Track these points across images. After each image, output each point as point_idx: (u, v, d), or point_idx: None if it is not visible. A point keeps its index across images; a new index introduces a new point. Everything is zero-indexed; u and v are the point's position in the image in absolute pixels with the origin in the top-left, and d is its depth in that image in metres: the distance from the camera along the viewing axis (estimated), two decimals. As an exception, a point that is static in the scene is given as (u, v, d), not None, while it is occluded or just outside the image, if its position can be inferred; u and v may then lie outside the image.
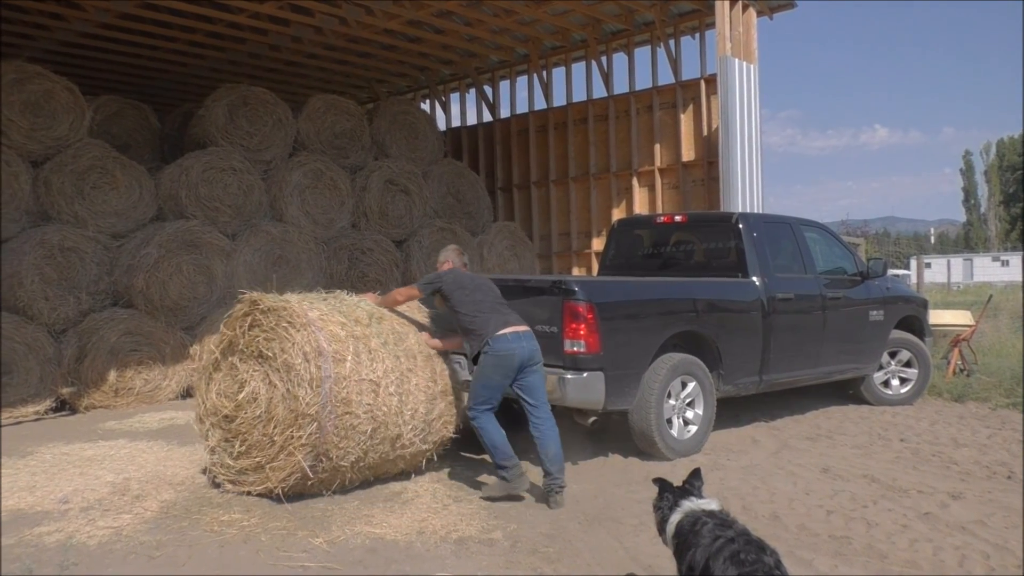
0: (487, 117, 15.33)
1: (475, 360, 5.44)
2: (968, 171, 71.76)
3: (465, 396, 5.96)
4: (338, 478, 5.22)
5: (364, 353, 5.27)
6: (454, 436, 5.82)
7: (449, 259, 5.79)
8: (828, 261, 8.24)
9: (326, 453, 5.01)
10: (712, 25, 11.21)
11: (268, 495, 5.08)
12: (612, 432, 6.81)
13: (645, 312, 6.37)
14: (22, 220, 8.96)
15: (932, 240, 73.73)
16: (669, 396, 6.33)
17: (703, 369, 6.59)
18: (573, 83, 13.87)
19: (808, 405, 8.36)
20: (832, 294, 7.83)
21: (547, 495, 5.17)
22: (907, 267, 42.46)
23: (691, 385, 6.50)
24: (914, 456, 6.46)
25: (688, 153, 12.26)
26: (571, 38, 13.33)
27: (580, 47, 13.52)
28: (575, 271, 13.53)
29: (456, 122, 16.00)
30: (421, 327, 5.87)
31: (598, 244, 12.97)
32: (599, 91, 13.46)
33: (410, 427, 5.42)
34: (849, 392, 8.62)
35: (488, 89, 15.26)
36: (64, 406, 8.66)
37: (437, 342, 5.79)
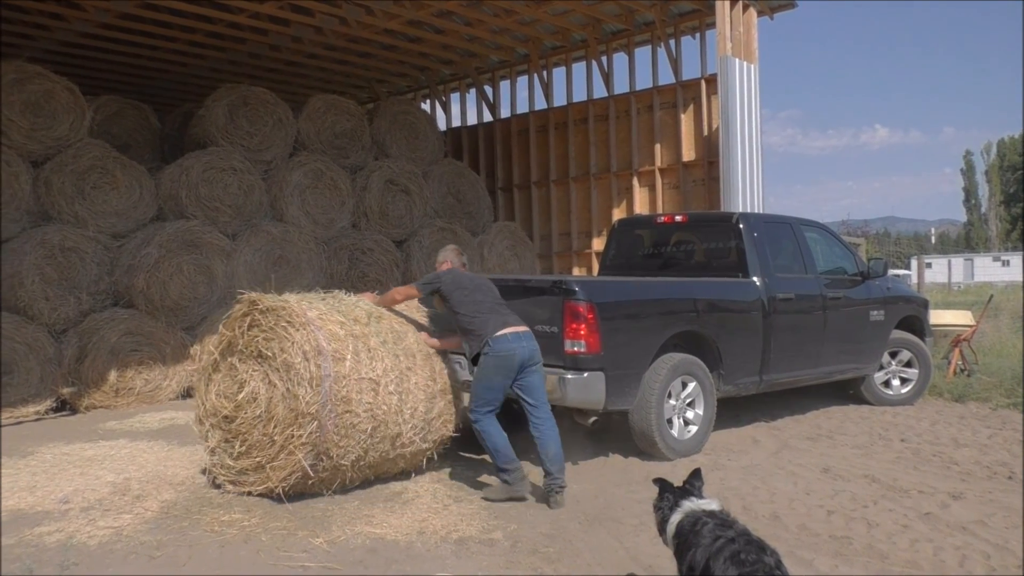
0: (487, 117, 15.34)
1: (474, 361, 5.44)
2: (969, 171, 71.78)
3: (464, 396, 5.96)
4: (338, 477, 5.22)
5: (363, 352, 5.27)
6: (454, 435, 5.82)
7: (448, 259, 5.78)
8: (828, 261, 8.24)
9: (326, 452, 5.01)
10: (712, 25, 11.21)
11: (268, 495, 5.08)
12: (612, 432, 6.81)
13: (645, 312, 6.37)
14: (23, 220, 8.96)
15: (933, 240, 73.73)
16: (669, 396, 6.32)
17: (703, 369, 6.59)
18: (573, 83, 13.87)
19: (809, 405, 8.35)
20: (833, 294, 7.82)
21: (547, 495, 5.17)
22: (908, 267, 42.46)
23: (691, 385, 6.50)
24: (915, 456, 6.46)
25: (688, 153, 12.26)
26: (571, 38, 13.33)
27: (580, 47, 13.52)
28: (575, 271, 13.53)
29: (456, 122, 16.01)
30: (420, 326, 5.88)
31: (598, 244, 12.97)
32: (599, 91, 13.48)
33: (410, 426, 5.42)
34: (850, 392, 8.62)
35: (488, 89, 15.26)
36: (64, 406, 8.66)
37: (435, 341, 5.79)
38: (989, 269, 50.34)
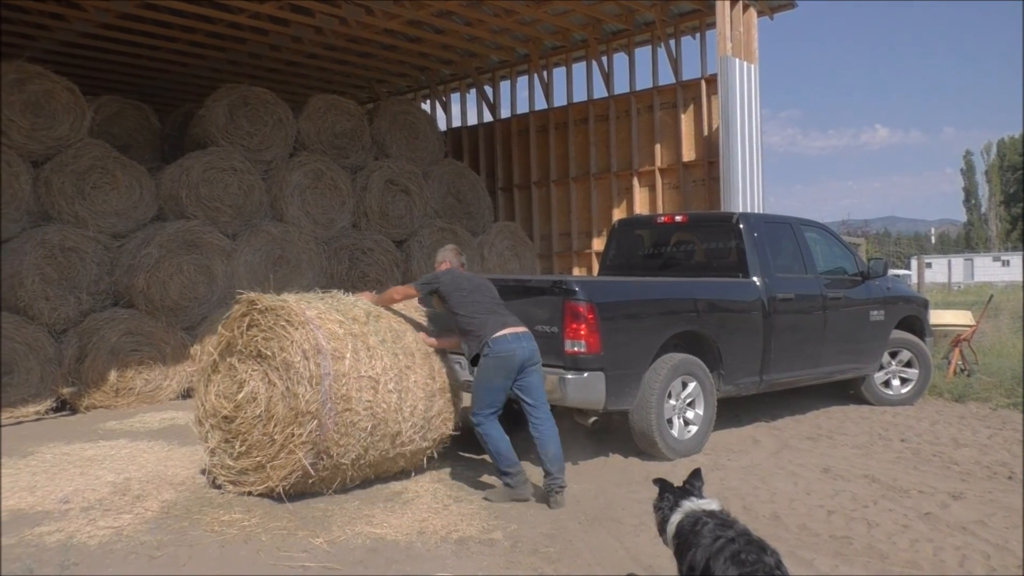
0: (487, 117, 15.34)
1: (473, 362, 5.44)
2: (969, 171, 71.80)
3: (464, 395, 5.97)
4: (339, 476, 5.22)
5: (363, 350, 5.27)
6: (454, 433, 5.82)
7: (447, 259, 5.78)
8: (829, 261, 8.24)
9: (327, 450, 5.01)
10: (713, 25, 11.21)
11: (269, 495, 5.08)
12: (613, 432, 6.81)
13: (646, 312, 6.37)
14: (23, 220, 8.96)
15: (933, 240, 73.78)
16: (670, 396, 6.32)
17: (704, 369, 6.59)
18: (574, 83, 13.87)
19: (809, 405, 8.35)
20: (833, 294, 7.82)
21: (547, 495, 5.17)
22: (908, 267, 42.48)
23: (692, 385, 6.50)
24: (915, 456, 6.46)
25: (689, 153, 12.26)
26: (571, 38, 13.33)
27: (580, 47, 13.52)
28: (576, 271, 13.53)
29: (456, 122, 16.01)
30: (418, 326, 5.88)
31: (599, 244, 12.97)
32: (600, 91, 13.48)
33: (410, 424, 5.42)
34: (850, 392, 8.62)
35: (488, 89, 15.26)
36: (65, 406, 8.66)
37: (434, 340, 5.80)
38: (989, 269, 50.36)
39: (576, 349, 5.84)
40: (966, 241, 72.56)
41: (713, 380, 6.67)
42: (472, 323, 5.33)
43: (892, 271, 11.73)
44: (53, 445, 6.86)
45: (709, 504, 3.28)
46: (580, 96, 13.76)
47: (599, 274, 8.84)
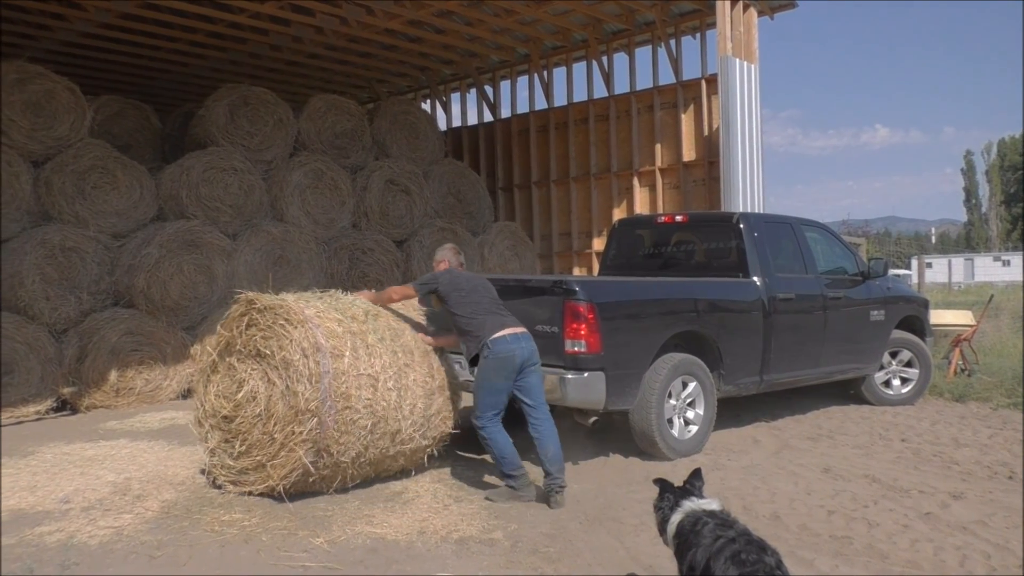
0: (488, 117, 15.34)
1: (472, 362, 5.43)
2: (969, 171, 71.79)
3: (464, 395, 5.97)
4: (339, 474, 5.22)
5: (362, 349, 5.28)
6: (453, 431, 5.82)
7: (445, 258, 5.77)
8: (829, 261, 8.24)
9: (327, 448, 5.02)
10: (713, 25, 11.21)
11: (269, 495, 5.08)
12: (613, 432, 6.81)
13: (646, 312, 6.37)
14: (23, 220, 8.96)
15: (933, 240, 73.79)
16: (670, 396, 6.32)
17: (704, 369, 6.59)
18: (574, 83, 13.87)
19: (809, 405, 8.35)
20: (833, 294, 7.82)
21: (547, 495, 5.17)
22: (908, 267, 42.47)
23: (692, 385, 6.49)
24: (915, 456, 6.46)
25: (689, 153, 12.26)
26: (572, 38, 13.33)
27: (581, 47, 13.52)
28: (576, 271, 13.53)
29: (457, 122, 16.01)
30: (417, 324, 5.88)
31: (599, 244, 12.97)
32: (600, 91, 13.48)
33: (409, 422, 5.43)
34: (850, 392, 8.61)
35: (489, 89, 15.26)
36: (65, 406, 8.66)
37: (431, 339, 5.80)
38: (989, 269, 50.36)
39: (576, 349, 5.83)
40: (966, 241, 72.57)
41: (713, 380, 6.66)
42: (471, 324, 5.33)
43: (892, 271, 11.73)
44: (53, 445, 6.87)
45: (709, 504, 3.28)
46: (580, 96, 13.78)
47: (599, 274, 8.84)
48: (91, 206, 9.30)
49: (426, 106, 15.69)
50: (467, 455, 6.32)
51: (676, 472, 4.55)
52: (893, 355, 8.53)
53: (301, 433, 4.93)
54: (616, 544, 4.49)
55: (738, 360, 6.90)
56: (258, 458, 5.13)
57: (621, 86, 13.29)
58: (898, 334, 8.50)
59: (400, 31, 12.43)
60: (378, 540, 4.51)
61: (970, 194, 72.02)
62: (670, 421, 6.33)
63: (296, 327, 5.08)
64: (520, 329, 5.34)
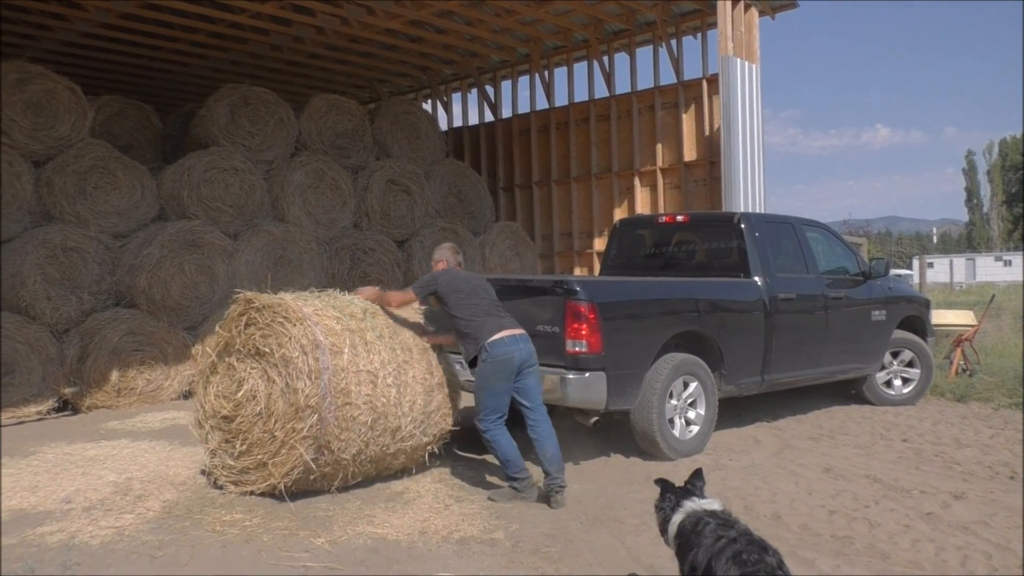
0: (489, 117, 15.34)
1: (472, 364, 5.43)
2: (971, 171, 71.78)
3: (464, 394, 5.97)
4: (340, 472, 5.23)
5: (360, 345, 5.29)
6: (453, 428, 5.82)
7: (444, 258, 5.76)
8: (830, 261, 8.23)
9: (327, 445, 5.02)
10: (714, 25, 11.21)
11: (271, 495, 5.09)
12: (614, 432, 6.81)
13: (647, 312, 6.37)
14: (24, 220, 8.97)
15: (934, 240, 73.79)
16: (671, 396, 6.32)
17: (705, 369, 6.58)
18: (575, 83, 13.89)
19: (810, 405, 8.35)
20: (834, 294, 7.81)
21: (548, 495, 5.17)
22: (909, 267, 42.46)
23: (693, 385, 6.49)
24: (916, 456, 6.45)
25: (690, 153, 12.26)
26: (573, 38, 13.33)
27: (582, 47, 13.53)
28: (577, 271, 13.54)
29: (458, 122, 16.02)
30: (415, 321, 5.89)
31: (600, 244, 12.97)
32: (601, 91, 13.48)
33: (409, 419, 5.43)
34: (851, 392, 8.61)
35: (490, 89, 15.26)
36: (66, 406, 8.67)
37: (429, 337, 5.79)
38: (991, 269, 50.36)
39: (577, 349, 5.83)
40: (968, 241, 72.54)
41: (714, 380, 6.66)
42: (469, 326, 5.33)
43: (894, 271, 11.73)
44: (55, 445, 6.87)
45: (711, 504, 3.27)
46: (581, 96, 13.79)
47: (600, 274, 8.84)
48: (92, 206, 9.31)
49: (427, 106, 15.70)
50: (468, 455, 6.32)
51: (677, 472, 4.55)
52: (894, 355, 8.53)
53: (302, 430, 4.94)
54: (617, 544, 4.48)
55: (739, 360, 6.90)
56: (259, 457, 5.13)
57: (622, 86, 13.32)
58: (899, 334, 8.49)
59: (401, 31, 12.43)
60: (379, 540, 4.51)
61: (971, 194, 72.01)
62: (671, 421, 6.33)
63: (295, 324, 5.09)
64: (518, 331, 5.33)
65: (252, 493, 5.15)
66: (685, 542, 3.16)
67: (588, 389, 5.84)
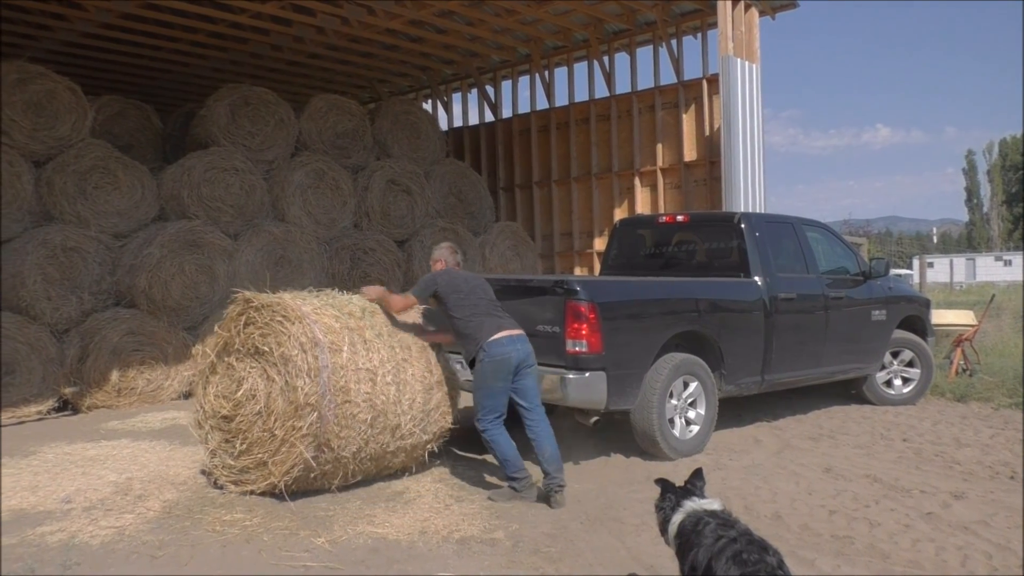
0: (489, 117, 15.34)
1: (471, 364, 5.44)
2: (971, 171, 71.79)
3: (463, 394, 5.97)
4: (340, 470, 5.23)
5: (359, 343, 5.30)
6: (452, 427, 5.82)
7: (442, 258, 5.76)
8: (830, 261, 8.23)
9: (327, 443, 5.02)
10: (714, 25, 11.20)
11: (271, 494, 5.09)
12: (614, 432, 6.80)
13: (647, 312, 6.37)
14: (24, 220, 8.97)
15: (935, 240, 73.81)
16: (671, 396, 6.32)
17: (705, 369, 6.58)
18: (575, 83, 13.89)
19: (810, 405, 8.35)
20: (834, 294, 7.82)
21: (548, 495, 5.18)
22: (909, 267, 42.47)
23: (693, 385, 6.49)
24: (916, 456, 6.45)
25: (690, 153, 12.26)
26: (573, 38, 13.33)
27: (582, 47, 13.53)
28: (577, 271, 13.54)
29: (458, 122, 16.02)
30: (414, 320, 5.89)
31: (600, 244, 12.98)
32: (601, 91, 13.47)
33: (409, 416, 5.43)
34: (852, 392, 8.61)
35: (490, 89, 15.26)
36: (67, 406, 8.67)
37: (428, 336, 5.79)
38: (991, 269, 50.37)
39: (577, 349, 5.83)
40: (968, 241, 72.56)
41: (715, 380, 6.66)
42: (468, 326, 5.33)
43: (894, 271, 11.73)
44: (55, 445, 6.87)
45: (711, 504, 3.27)
46: (582, 96, 13.78)
47: (601, 274, 8.84)
48: (92, 206, 9.31)
49: (427, 106, 15.70)
50: (468, 455, 6.32)
51: (677, 472, 4.55)
52: (895, 355, 8.53)
53: (301, 428, 4.94)
54: (617, 544, 4.49)
55: (739, 360, 6.90)
56: (259, 455, 5.14)
57: (622, 86, 13.32)
58: (900, 334, 8.50)
59: (401, 31, 12.44)
60: (380, 540, 4.51)
61: (972, 194, 72.01)
62: (671, 421, 6.33)
63: (294, 323, 5.10)
64: (516, 331, 5.34)
65: (252, 492, 5.15)
66: (685, 542, 3.16)
67: (588, 389, 5.84)
